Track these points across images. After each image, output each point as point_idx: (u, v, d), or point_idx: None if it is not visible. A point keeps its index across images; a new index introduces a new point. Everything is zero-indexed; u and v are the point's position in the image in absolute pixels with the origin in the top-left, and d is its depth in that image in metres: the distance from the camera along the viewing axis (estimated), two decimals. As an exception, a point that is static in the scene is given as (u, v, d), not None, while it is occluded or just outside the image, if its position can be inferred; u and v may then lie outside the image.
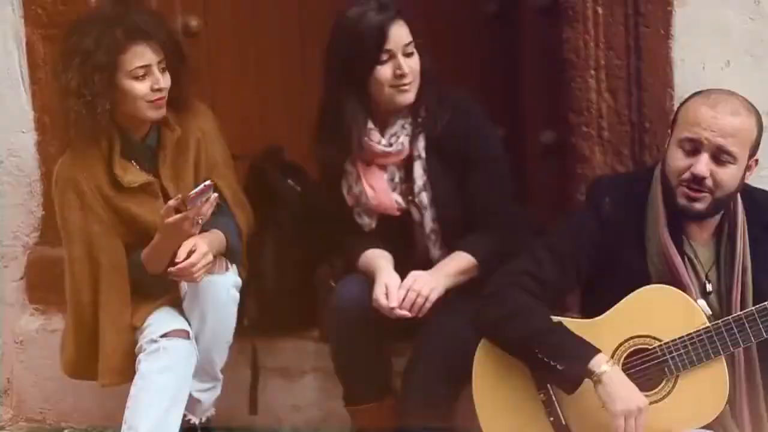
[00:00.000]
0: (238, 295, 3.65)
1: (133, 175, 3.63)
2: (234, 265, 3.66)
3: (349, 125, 3.52)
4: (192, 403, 3.71)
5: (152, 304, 3.67)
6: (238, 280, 3.65)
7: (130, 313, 3.65)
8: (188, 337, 3.61)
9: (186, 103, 3.68)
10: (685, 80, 3.59)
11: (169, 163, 3.67)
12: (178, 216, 3.45)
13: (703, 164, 3.09)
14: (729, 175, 3.11)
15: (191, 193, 3.43)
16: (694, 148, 3.11)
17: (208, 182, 3.46)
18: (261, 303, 3.84)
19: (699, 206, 3.13)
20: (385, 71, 3.48)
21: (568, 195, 3.70)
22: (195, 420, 3.78)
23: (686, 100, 3.22)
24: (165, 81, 3.57)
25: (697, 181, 3.10)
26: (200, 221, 3.47)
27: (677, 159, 3.14)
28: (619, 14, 3.58)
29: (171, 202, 3.47)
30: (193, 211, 3.43)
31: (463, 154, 3.56)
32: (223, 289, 3.61)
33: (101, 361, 3.64)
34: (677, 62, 3.60)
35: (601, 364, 3.06)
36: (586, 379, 3.08)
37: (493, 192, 3.57)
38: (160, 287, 3.65)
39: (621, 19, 3.58)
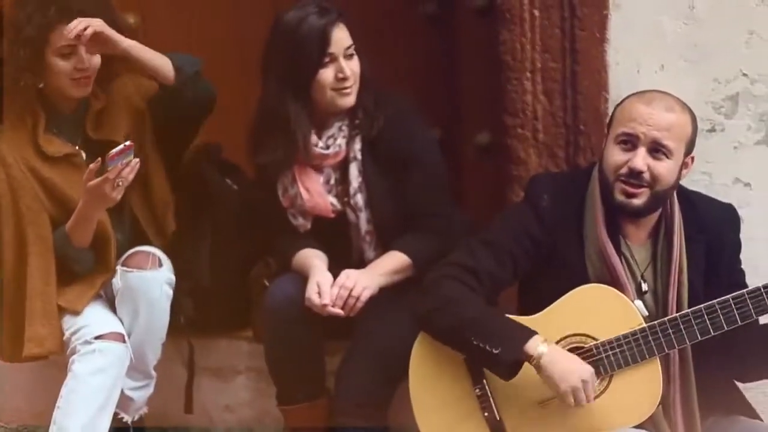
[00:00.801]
0: (171, 291, 3.60)
1: (57, 146, 3.61)
2: (168, 262, 3.62)
3: (294, 130, 3.48)
4: (124, 401, 3.66)
5: (88, 287, 3.61)
6: (172, 277, 3.60)
7: (54, 285, 3.58)
8: (123, 341, 3.56)
9: (115, 78, 3.67)
10: (619, 83, 3.60)
11: (93, 134, 3.63)
12: (99, 179, 3.40)
13: (640, 158, 3.11)
14: (666, 169, 3.13)
15: (111, 152, 3.38)
16: (631, 143, 3.13)
17: (128, 142, 3.42)
18: (196, 301, 3.78)
19: (637, 202, 3.14)
20: (327, 74, 3.45)
21: (503, 196, 3.69)
22: (128, 418, 3.72)
23: (623, 100, 3.23)
24: (91, 61, 3.56)
25: (634, 176, 3.11)
26: (121, 184, 3.42)
27: (614, 155, 3.15)
28: (556, 17, 3.58)
29: (92, 166, 3.43)
30: (113, 172, 3.38)
31: (398, 156, 3.53)
32: (156, 286, 3.56)
33: (27, 329, 3.56)
34: (612, 65, 3.61)
35: (537, 345, 3.06)
36: (521, 373, 3.08)
37: (428, 194, 3.55)
38: (86, 262, 3.60)
39: (557, 22, 3.59)
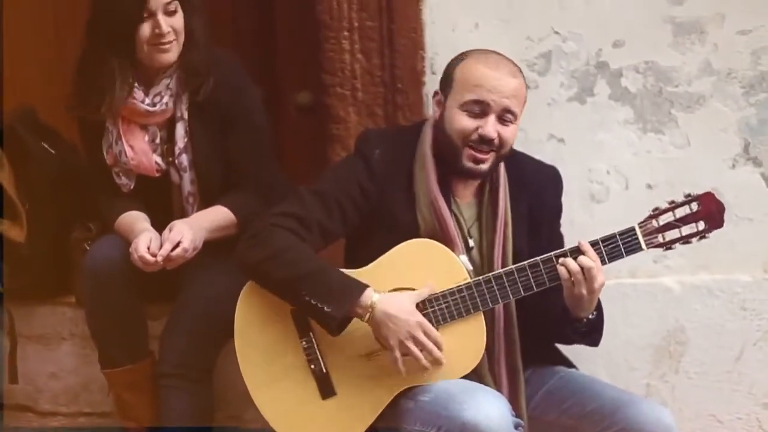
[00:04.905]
0: None
1: None
2: None
3: (103, 84, 3.39)
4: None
5: None
6: None
7: None
8: None
9: None
10: (435, 42, 3.59)
11: None
12: None
13: (491, 126, 3.09)
14: (511, 134, 3.14)
15: None
16: (481, 110, 3.10)
17: None
18: (15, 269, 3.68)
19: (484, 167, 3.13)
20: (144, 30, 3.34)
21: (323, 155, 3.65)
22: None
23: (459, 62, 3.17)
24: None
25: (486, 142, 3.10)
26: None
27: (463, 121, 3.11)
28: (371, -24, 3.54)
29: None
30: None
31: (224, 116, 3.45)
32: None
33: None
34: (428, 24, 3.60)
35: (367, 301, 3.01)
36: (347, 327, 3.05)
37: (253, 157, 3.48)
38: None
39: (373, -19, 3.55)
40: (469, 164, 3.13)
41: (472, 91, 3.11)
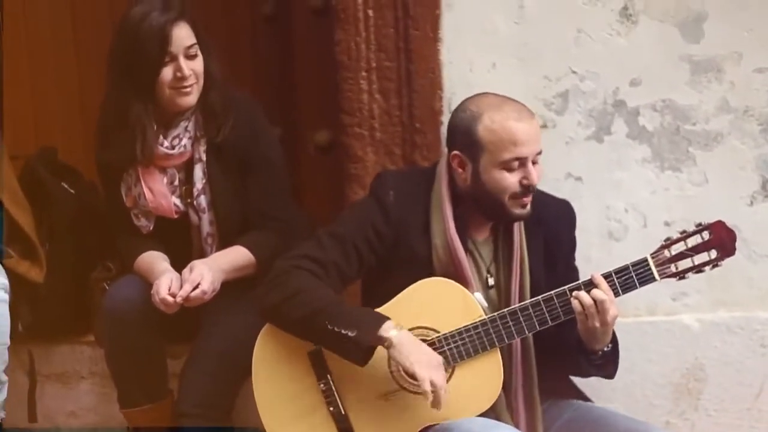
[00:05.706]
0: (7, 296, 3.44)
1: None
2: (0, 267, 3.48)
3: (133, 130, 3.40)
4: (-23, 409, 3.50)
5: None
6: (5, 282, 3.44)
7: None
8: None
9: None
10: (453, 82, 3.59)
11: None
12: None
13: (534, 175, 3.12)
14: (540, 171, 3.16)
15: None
16: (521, 163, 3.11)
17: None
18: (35, 308, 3.68)
19: (530, 208, 3.16)
20: (166, 73, 3.35)
21: (342, 194, 3.65)
22: (-17, 425, 3.58)
23: (476, 120, 3.11)
24: None
25: (532, 189, 3.12)
26: None
27: (507, 179, 3.11)
28: (390, 17, 3.55)
29: None
30: None
31: (243, 159, 3.46)
32: None
33: None
34: (446, 64, 3.60)
35: (390, 329, 3.01)
36: (365, 368, 3.04)
37: (270, 197, 3.49)
38: None
39: (391, 22, 3.56)
40: (519, 211, 3.15)
41: (510, 150, 3.10)
